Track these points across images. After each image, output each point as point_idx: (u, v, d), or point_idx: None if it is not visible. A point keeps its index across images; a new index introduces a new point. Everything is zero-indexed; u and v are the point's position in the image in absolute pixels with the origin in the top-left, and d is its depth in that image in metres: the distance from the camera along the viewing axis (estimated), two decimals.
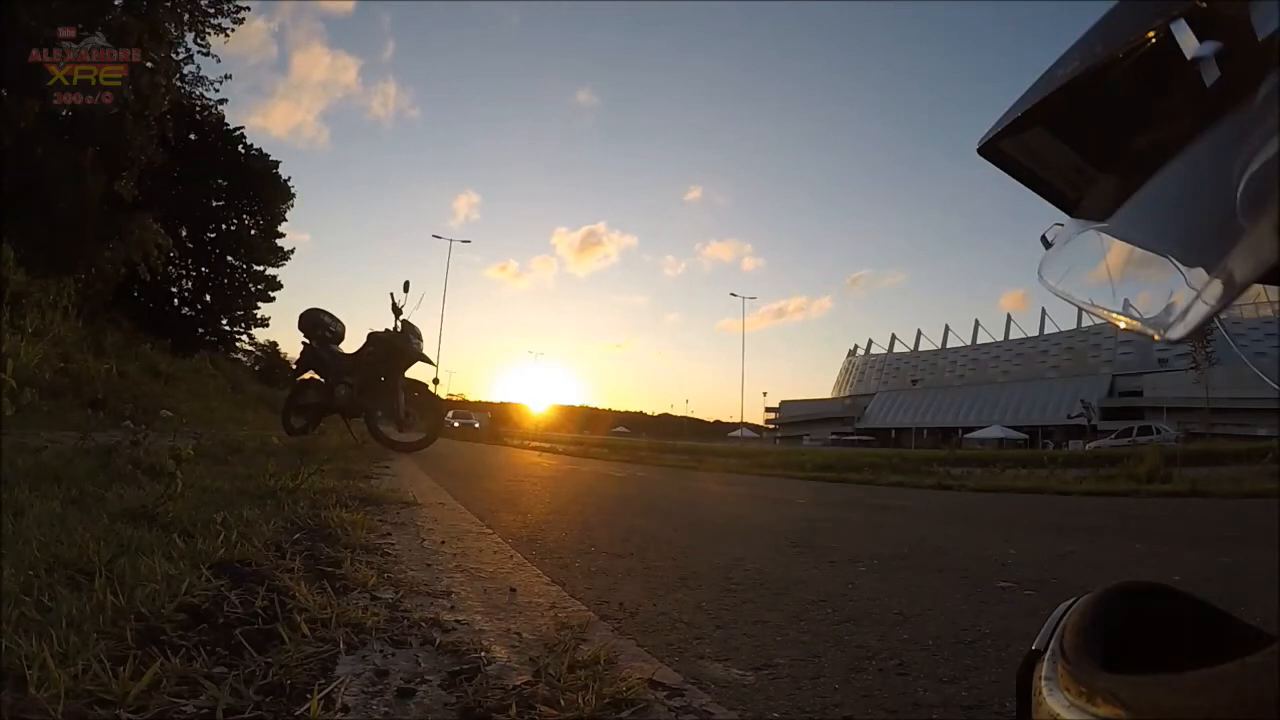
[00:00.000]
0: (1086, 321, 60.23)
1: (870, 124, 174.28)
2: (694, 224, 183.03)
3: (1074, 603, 0.46)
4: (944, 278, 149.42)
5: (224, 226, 23.13)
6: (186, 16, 14.13)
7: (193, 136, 20.35)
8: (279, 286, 24.81)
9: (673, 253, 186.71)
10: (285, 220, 24.23)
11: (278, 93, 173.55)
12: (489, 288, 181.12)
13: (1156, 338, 0.40)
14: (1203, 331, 0.37)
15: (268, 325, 25.55)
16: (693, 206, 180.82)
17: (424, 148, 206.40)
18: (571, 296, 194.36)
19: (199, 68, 17.07)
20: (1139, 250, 0.46)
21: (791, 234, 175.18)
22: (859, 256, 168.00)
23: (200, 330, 23.14)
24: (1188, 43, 0.38)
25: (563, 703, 0.94)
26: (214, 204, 22.48)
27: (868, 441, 61.12)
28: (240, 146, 22.33)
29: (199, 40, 15.20)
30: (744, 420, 79.91)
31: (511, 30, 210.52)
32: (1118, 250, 0.47)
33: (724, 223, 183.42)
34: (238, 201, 23.05)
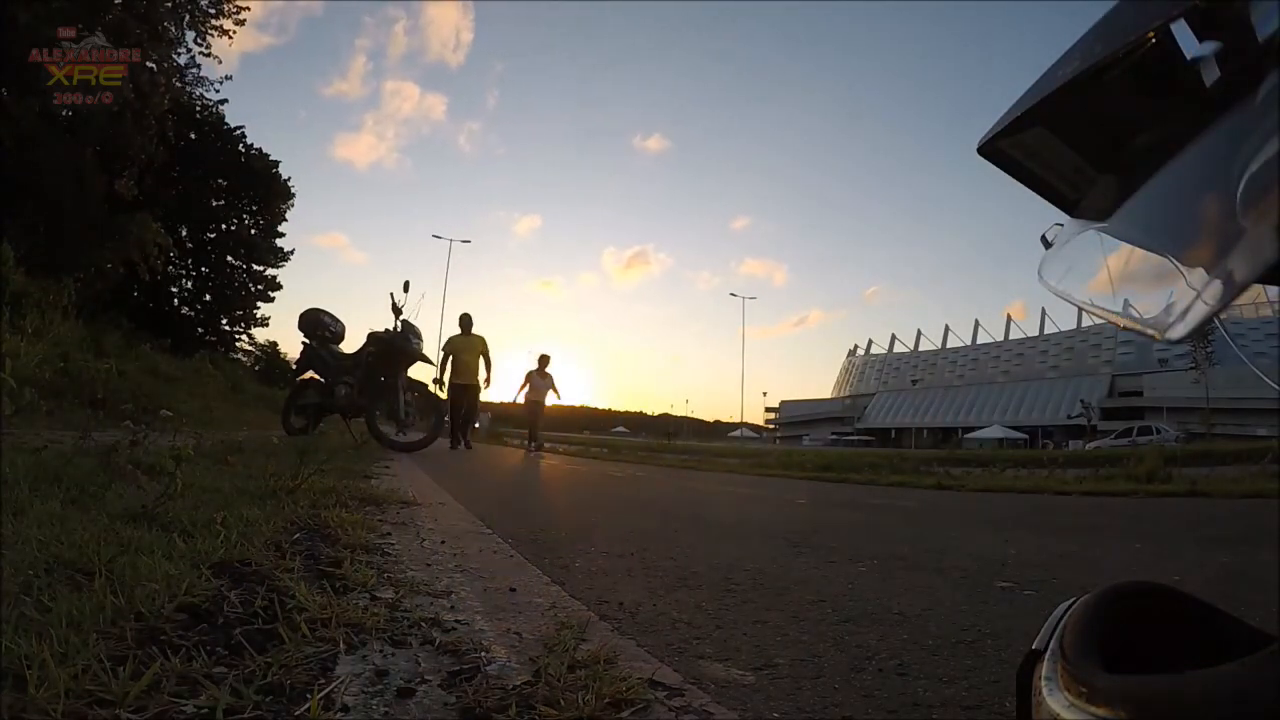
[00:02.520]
0: (1086, 321, 60.29)
1: (902, 151, 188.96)
2: (736, 245, 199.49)
3: (1074, 603, 0.46)
4: (953, 291, 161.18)
5: (224, 226, 23.14)
6: (186, 17, 14.14)
7: (193, 136, 20.33)
8: (279, 287, 24.86)
9: (709, 269, 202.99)
10: (285, 220, 24.27)
11: (365, 126, 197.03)
12: (530, 301, 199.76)
13: (1157, 338, 0.40)
14: (1203, 331, 0.37)
15: (268, 325, 25.59)
16: (738, 233, 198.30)
17: (497, 177, 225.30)
18: (605, 307, 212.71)
19: (199, 68, 17.07)
20: (1139, 250, 0.46)
21: (822, 253, 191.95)
22: (878, 274, 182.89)
23: (200, 330, 23.15)
24: (1188, 43, 0.38)
25: (563, 703, 0.94)
26: (214, 204, 22.47)
27: (867, 441, 61.15)
28: (240, 146, 22.33)
29: (199, 40, 15.21)
30: (744, 420, 79.97)
31: (604, 88, 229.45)
32: (1118, 250, 0.47)
33: (763, 244, 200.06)
34: (238, 201, 23.06)
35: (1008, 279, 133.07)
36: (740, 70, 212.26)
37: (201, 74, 17.24)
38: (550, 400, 11.77)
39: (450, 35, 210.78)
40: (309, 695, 0.89)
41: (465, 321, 10.11)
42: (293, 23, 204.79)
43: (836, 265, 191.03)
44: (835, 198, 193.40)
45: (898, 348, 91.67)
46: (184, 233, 21.20)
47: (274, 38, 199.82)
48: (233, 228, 23.28)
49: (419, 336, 8.06)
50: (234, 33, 15.04)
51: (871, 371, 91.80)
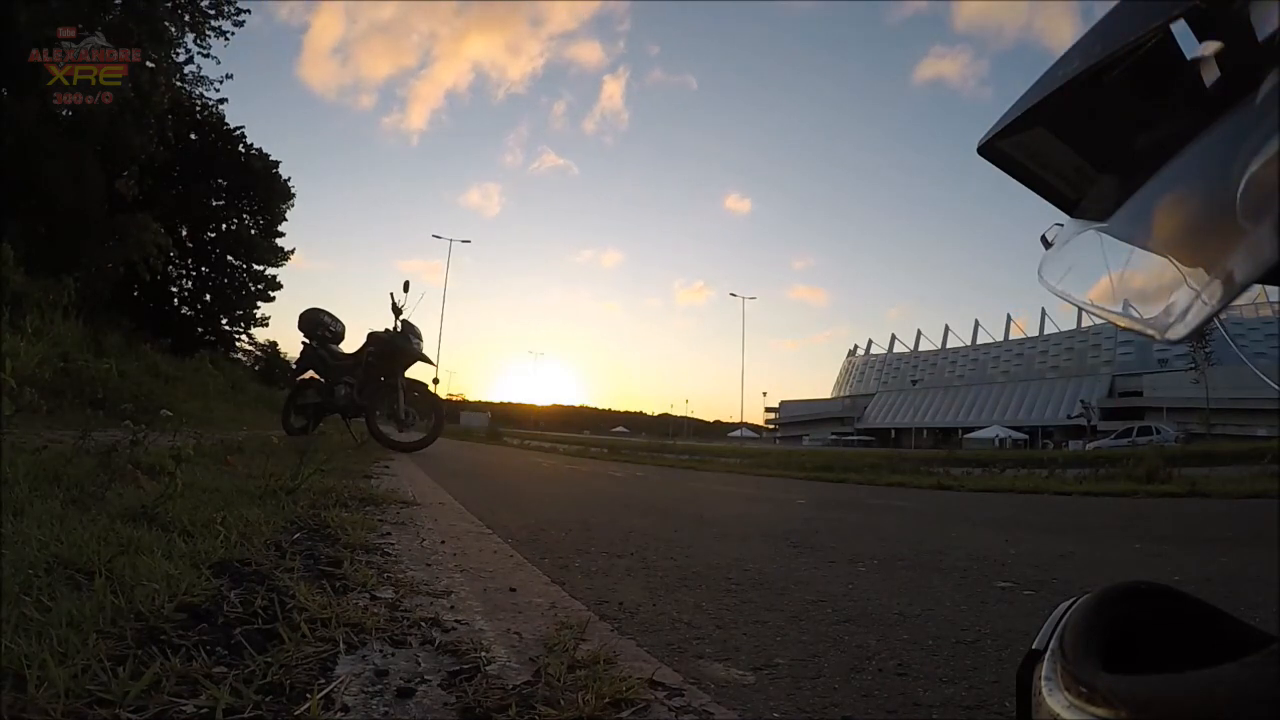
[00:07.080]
0: (1086, 321, 60.26)
1: (936, 178, 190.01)
2: (789, 277, 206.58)
3: (1074, 603, 0.46)
4: (965, 302, 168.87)
5: (224, 226, 23.11)
6: (187, 17, 14.15)
7: (193, 136, 20.31)
8: (279, 286, 24.83)
9: (759, 292, 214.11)
10: (285, 220, 24.24)
11: (501, 181, 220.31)
12: (584, 316, 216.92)
13: (1156, 338, 0.40)
14: (1203, 331, 0.37)
15: (268, 325, 25.57)
16: (796, 270, 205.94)
17: (597, 224, 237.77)
18: (635, 322, 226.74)
19: (199, 68, 17.03)
20: (1139, 250, 0.45)
21: (858, 279, 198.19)
22: (902, 294, 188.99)
23: (200, 330, 23.13)
24: (1188, 43, 0.38)
25: (563, 703, 0.94)
26: (214, 204, 22.45)
27: (867, 442, 61.18)
28: (240, 146, 22.30)
29: (199, 40, 15.21)
30: (744, 420, 79.92)
31: (713, 159, 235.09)
32: (1118, 250, 0.47)
33: (812, 275, 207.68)
34: (238, 201, 23.02)
35: (1015, 290, 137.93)
36: (824, 138, 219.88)
37: (202, 74, 17.20)
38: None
39: (610, 115, 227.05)
40: (309, 695, 0.89)
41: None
42: (485, 108, 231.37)
43: (869, 289, 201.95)
44: (878, 229, 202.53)
45: (897, 348, 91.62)
46: (184, 233, 21.18)
47: (458, 122, 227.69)
48: (233, 228, 23.25)
49: (419, 336, 8.06)
50: (232, 33, 15.06)
51: (871, 372, 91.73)
